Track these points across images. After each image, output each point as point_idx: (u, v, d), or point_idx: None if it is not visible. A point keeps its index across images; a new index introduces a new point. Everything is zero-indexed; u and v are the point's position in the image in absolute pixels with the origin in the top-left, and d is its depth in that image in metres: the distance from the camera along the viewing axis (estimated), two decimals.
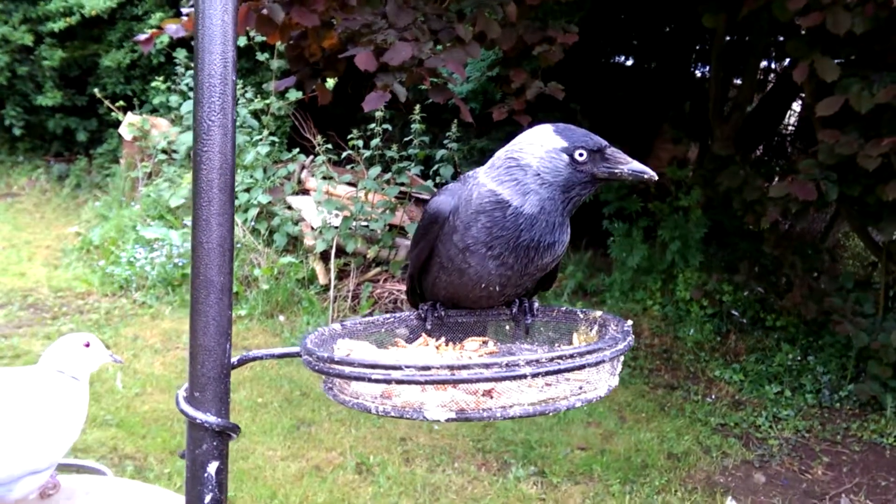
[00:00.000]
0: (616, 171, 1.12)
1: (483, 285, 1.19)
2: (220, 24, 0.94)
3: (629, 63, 8.25)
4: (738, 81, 6.44)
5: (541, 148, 1.13)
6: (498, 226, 1.14)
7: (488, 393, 0.95)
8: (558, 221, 1.15)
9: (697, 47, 7.65)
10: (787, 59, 6.22)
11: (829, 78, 3.52)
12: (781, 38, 5.48)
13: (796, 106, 7.43)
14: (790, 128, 7.94)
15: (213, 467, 0.99)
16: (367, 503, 3.18)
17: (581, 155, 1.12)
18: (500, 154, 1.17)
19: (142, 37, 3.40)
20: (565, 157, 1.12)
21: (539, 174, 1.13)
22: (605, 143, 1.13)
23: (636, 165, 1.13)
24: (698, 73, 7.91)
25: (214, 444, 0.99)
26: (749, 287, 5.06)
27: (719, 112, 5.41)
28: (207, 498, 1.00)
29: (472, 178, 1.20)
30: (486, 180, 1.16)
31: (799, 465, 3.87)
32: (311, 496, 3.17)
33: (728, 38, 5.85)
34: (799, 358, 4.76)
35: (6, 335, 4.48)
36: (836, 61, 3.69)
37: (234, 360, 1.03)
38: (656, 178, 1.14)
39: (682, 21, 7.10)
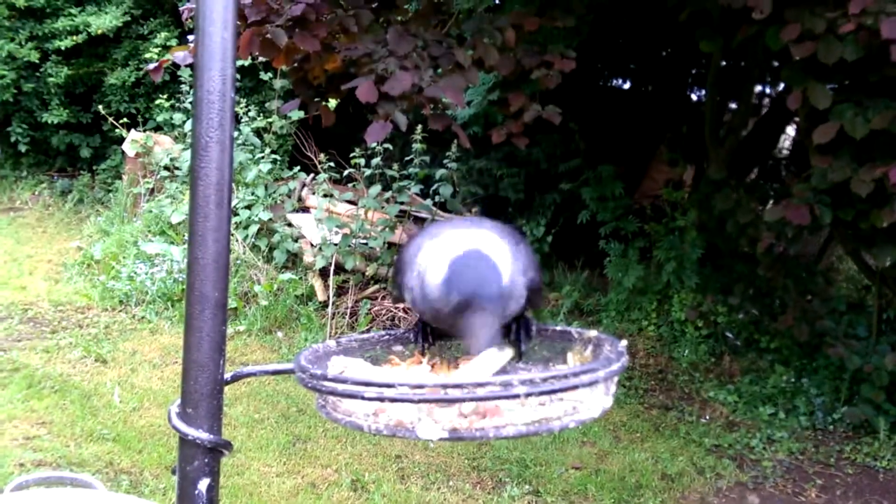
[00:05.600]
0: None
1: None
2: (219, 42, 0.96)
3: (626, 86, 8.34)
4: (734, 105, 6.52)
5: None
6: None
7: (482, 412, 0.97)
8: None
9: (694, 71, 7.72)
10: (782, 84, 6.29)
11: (821, 106, 3.57)
12: (776, 64, 5.56)
13: (791, 130, 7.50)
14: (784, 151, 8.00)
15: (203, 484, 0.98)
16: None
17: None
18: None
19: (151, 66, 3.48)
20: None
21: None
22: (459, 308, 1.04)
23: None
24: (694, 97, 7.99)
25: (206, 460, 0.99)
26: (743, 309, 5.09)
27: (715, 135, 5.46)
28: None
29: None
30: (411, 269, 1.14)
31: (793, 487, 3.88)
32: None
33: (724, 62, 5.92)
34: (793, 380, 4.78)
35: (5, 349, 4.50)
36: (829, 86, 3.74)
37: (227, 376, 1.03)
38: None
39: (679, 46, 7.18)
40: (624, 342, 1.07)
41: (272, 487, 3.36)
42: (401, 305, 5.36)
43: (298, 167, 6.58)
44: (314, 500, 3.29)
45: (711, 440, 4.28)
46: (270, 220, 5.92)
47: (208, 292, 0.97)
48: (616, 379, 1.01)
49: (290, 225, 6.01)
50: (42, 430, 3.63)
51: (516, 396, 0.90)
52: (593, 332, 1.15)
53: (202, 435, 0.97)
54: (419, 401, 0.91)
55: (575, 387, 0.93)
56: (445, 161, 5.80)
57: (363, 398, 0.93)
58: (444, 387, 0.90)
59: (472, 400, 0.91)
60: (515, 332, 1.24)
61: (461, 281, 1.04)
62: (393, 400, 0.91)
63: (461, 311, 1.02)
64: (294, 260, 5.83)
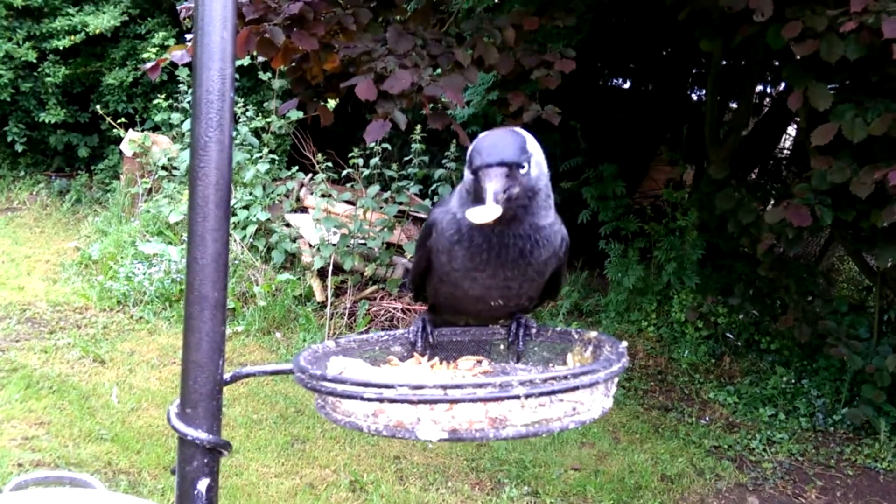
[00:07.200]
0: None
1: (483, 299, 1.18)
2: (218, 42, 0.96)
3: (627, 86, 8.33)
4: (734, 105, 6.50)
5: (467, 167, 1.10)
6: (476, 253, 1.12)
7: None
8: (527, 226, 1.11)
9: (694, 71, 7.72)
10: (783, 84, 6.28)
11: (821, 107, 3.55)
12: (777, 63, 5.54)
13: (791, 130, 7.49)
14: (785, 151, 7.99)
15: (203, 484, 0.98)
16: None
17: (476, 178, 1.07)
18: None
19: (148, 65, 3.46)
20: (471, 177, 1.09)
21: (464, 195, 1.11)
22: (481, 163, 1.04)
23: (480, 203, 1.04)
24: (695, 97, 7.98)
25: (205, 460, 0.98)
26: (744, 309, 5.08)
27: (715, 135, 5.45)
28: None
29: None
30: (454, 201, 1.15)
31: (792, 488, 3.87)
32: None
33: (724, 62, 5.91)
34: (793, 381, 4.77)
35: (4, 349, 4.48)
36: (830, 86, 3.73)
37: (226, 376, 1.02)
38: (483, 218, 1.04)
39: (680, 45, 7.17)
40: (624, 343, 1.06)
41: (270, 488, 3.35)
42: (399, 305, 5.34)
43: (297, 167, 6.57)
44: (313, 501, 3.27)
45: (711, 441, 4.27)
46: (268, 220, 5.91)
47: (207, 292, 0.97)
48: (616, 380, 1.00)
49: (288, 225, 6.00)
50: (40, 431, 3.61)
51: (516, 397, 0.89)
52: (593, 333, 1.15)
53: (201, 435, 0.97)
54: (419, 401, 0.90)
55: (575, 388, 0.92)
56: (444, 161, 5.78)
57: (363, 399, 0.92)
58: (444, 387, 0.89)
59: (471, 401, 0.90)
60: (515, 332, 1.22)
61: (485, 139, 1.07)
62: (392, 401, 0.91)
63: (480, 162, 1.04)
64: (292, 260, 5.82)
